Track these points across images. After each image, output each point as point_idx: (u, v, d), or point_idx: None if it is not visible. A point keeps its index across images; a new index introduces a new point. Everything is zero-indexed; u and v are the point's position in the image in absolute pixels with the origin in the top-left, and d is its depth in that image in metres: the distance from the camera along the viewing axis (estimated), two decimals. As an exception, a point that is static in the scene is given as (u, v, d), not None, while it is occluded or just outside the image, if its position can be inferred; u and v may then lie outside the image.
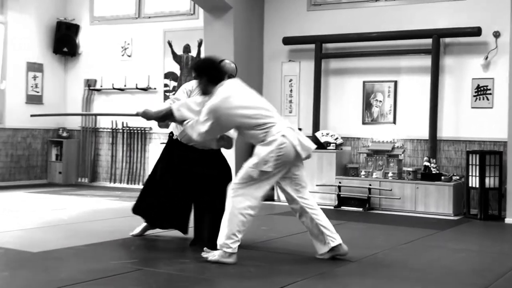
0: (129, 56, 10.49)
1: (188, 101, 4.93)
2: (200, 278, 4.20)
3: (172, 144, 5.44)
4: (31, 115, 6.52)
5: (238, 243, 4.57)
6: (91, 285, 3.95)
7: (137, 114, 5.10)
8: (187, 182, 5.28)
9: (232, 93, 4.69)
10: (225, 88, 4.70)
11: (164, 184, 5.37)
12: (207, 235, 5.02)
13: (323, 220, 4.78)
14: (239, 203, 4.55)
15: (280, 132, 4.59)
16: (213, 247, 4.67)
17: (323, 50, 9.03)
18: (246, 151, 8.23)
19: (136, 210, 5.55)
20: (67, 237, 5.56)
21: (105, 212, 7.35)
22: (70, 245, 5.16)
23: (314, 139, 8.71)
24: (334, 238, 4.78)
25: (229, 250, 4.53)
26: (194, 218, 5.31)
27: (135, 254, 5.00)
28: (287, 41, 9.22)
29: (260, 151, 4.59)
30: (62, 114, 6.79)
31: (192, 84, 5.35)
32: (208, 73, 4.78)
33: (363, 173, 8.40)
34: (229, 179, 5.03)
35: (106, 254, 4.93)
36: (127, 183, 10.43)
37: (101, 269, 4.37)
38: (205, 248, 4.71)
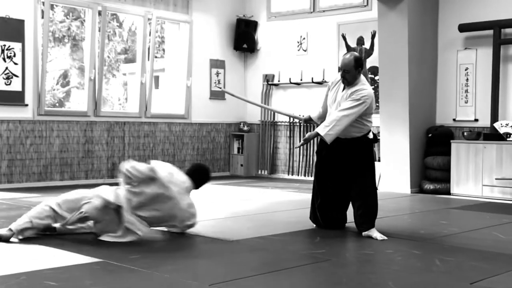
0: (305, 50, 10.76)
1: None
2: (388, 270, 4.32)
3: (320, 146, 5.87)
4: (222, 90, 7.24)
5: None
6: (288, 273, 4.17)
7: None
8: (336, 179, 5.70)
9: None
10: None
11: (320, 189, 5.79)
12: (361, 220, 5.52)
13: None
14: None
15: None
16: (368, 228, 5.44)
17: (502, 36, 8.72)
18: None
19: (310, 217, 5.95)
20: (256, 227, 5.87)
21: (287, 204, 7.61)
22: (261, 235, 5.44)
23: (493, 130, 8.52)
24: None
25: None
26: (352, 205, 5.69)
27: (321, 244, 5.19)
28: (463, 28, 9.00)
29: None
30: (249, 101, 7.54)
31: (334, 78, 5.74)
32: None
33: (548, 165, 8.06)
34: (370, 165, 5.58)
35: (295, 244, 5.18)
36: (304, 176, 10.70)
37: (294, 259, 4.62)
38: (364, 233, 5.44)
